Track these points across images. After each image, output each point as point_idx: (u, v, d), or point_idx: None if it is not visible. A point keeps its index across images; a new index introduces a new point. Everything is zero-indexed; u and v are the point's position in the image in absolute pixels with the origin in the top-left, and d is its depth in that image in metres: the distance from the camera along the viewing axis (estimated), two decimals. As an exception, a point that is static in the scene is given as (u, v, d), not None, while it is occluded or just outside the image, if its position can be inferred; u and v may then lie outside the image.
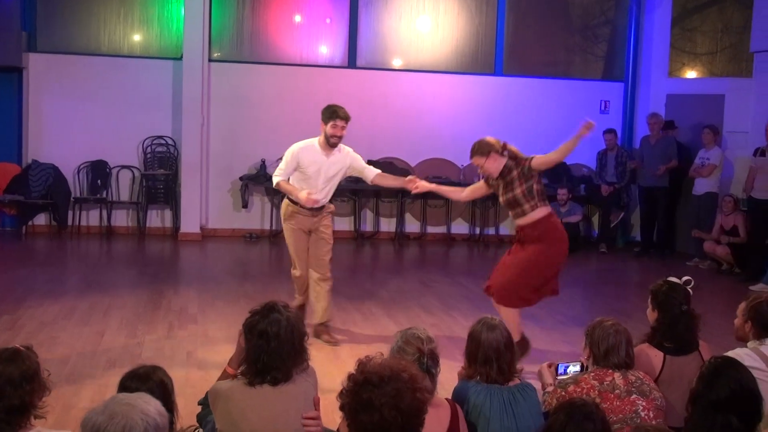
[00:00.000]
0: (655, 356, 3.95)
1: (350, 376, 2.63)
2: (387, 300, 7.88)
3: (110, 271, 9.12)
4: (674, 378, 3.90)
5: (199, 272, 9.24)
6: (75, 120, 11.01)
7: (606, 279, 9.92)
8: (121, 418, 2.15)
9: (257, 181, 11.13)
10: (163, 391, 2.88)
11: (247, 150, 11.30)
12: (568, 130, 12.09)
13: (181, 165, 11.09)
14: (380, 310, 7.44)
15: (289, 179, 6.27)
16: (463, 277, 9.44)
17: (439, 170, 11.73)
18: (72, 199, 10.94)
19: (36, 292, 7.46)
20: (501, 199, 5.73)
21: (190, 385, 4.89)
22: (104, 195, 11.08)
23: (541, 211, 5.61)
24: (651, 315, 4.13)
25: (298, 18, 11.73)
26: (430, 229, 11.95)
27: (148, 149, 11.17)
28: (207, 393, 3.52)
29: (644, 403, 3.51)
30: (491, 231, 11.99)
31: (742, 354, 3.78)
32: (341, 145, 6.28)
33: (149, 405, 2.21)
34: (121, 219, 11.26)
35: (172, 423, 2.88)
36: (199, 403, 3.65)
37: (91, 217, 11.11)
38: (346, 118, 6.16)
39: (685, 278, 4.16)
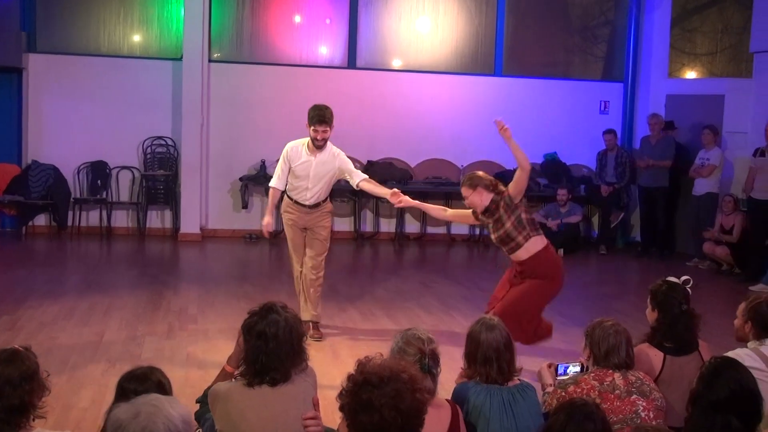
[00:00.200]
0: (655, 356, 3.95)
1: (350, 377, 2.63)
2: (387, 300, 7.88)
3: (110, 271, 9.12)
4: (674, 378, 3.90)
5: (199, 273, 9.24)
6: (75, 120, 11.01)
7: (606, 279, 9.92)
8: (144, 419, 2.15)
9: (257, 181, 11.13)
10: (161, 392, 2.88)
11: (246, 150, 11.30)
12: (568, 130, 12.27)
13: (180, 165, 11.09)
14: (380, 310, 7.44)
15: (286, 182, 6.45)
16: (463, 277, 9.44)
17: (438, 171, 11.74)
18: (72, 199, 10.94)
19: (36, 293, 7.46)
20: (493, 237, 5.69)
21: (190, 385, 4.89)
22: (104, 195, 11.07)
23: (537, 243, 5.53)
24: (651, 315, 4.13)
25: (297, 18, 11.73)
26: (430, 230, 11.94)
27: (148, 150, 11.17)
28: (205, 391, 3.52)
29: (644, 404, 3.51)
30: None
31: (742, 354, 3.78)
32: (331, 147, 6.38)
33: (175, 410, 2.21)
34: (121, 219, 11.26)
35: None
36: (197, 401, 3.65)
37: (91, 218, 11.11)
38: (326, 122, 6.21)
39: (684, 278, 4.16)
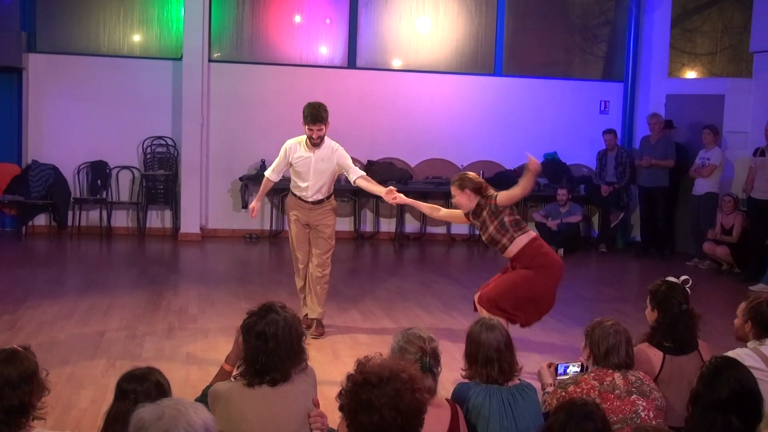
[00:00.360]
0: (655, 356, 3.95)
1: (349, 377, 2.63)
2: (387, 300, 7.88)
3: (110, 271, 9.12)
4: (674, 378, 3.90)
5: (199, 272, 9.24)
6: (75, 120, 11.01)
7: (606, 279, 9.91)
8: (167, 421, 2.15)
9: (257, 181, 11.03)
10: (160, 392, 2.89)
11: (246, 150, 11.30)
12: (567, 130, 12.27)
13: (180, 165, 11.10)
14: (380, 310, 7.44)
15: (281, 176, 6.66)
16: (463, 277, 9.44)
17: (438, 170, 11.73)
18: (72, 199, 10.94)
19: (36, 293, 7.46)
20: (483, 238, 5.84)
21: (190, 385, 4.89)
22: (104, 195, 11.07)
23: (522, 240, 5.62)
24: (650, 315, 4.13)
25: (297, 18, 11.73)
26: (430, 230, 11.95)
27: (148, 150, 11.18)
28: (203, 391, 3.52)
29: (644, 404, 3.51)
30: (491, 231, 11.97)
31: (743, 354, 3.78)
32: (330, 142, 6.42)
33: (198, 416, 2.21)
34: (121, 219, 11.26)
35: None
36: (196, 401, 3.63)
37: (91, 218, 11.11)
38: (320, 121, 6.24)
39: (683, 278, 4.16)
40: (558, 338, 6.66)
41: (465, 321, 6.65)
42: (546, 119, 11.98)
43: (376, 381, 2.55)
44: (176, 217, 11.22)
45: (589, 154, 11.87)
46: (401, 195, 6.30)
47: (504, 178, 11.55)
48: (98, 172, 11.10)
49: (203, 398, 3.49)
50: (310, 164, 6.36)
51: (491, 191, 5.74)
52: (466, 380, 3.61)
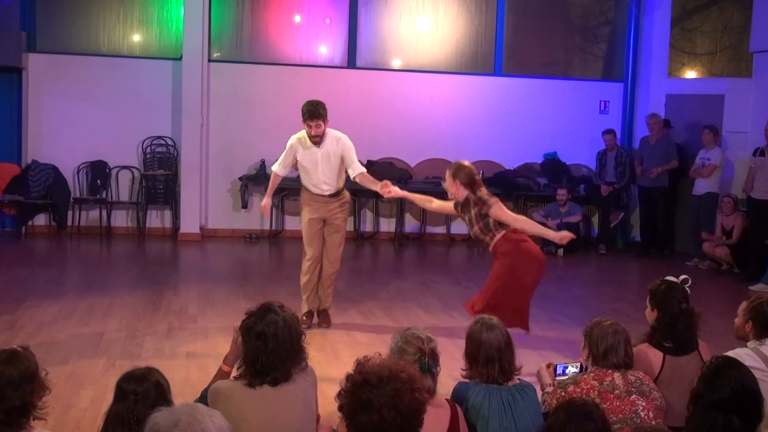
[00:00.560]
0: (655, 356, 3.95)
1: (349, 377, 2.63)
2: (387, 300, 7.88)
3: (110, 271, 9.12)
4: (674, 378, 3.90)
5: (199, 272, 9.24)
6: (75, 120, 11.01)
7: (606, 279, 9.92)
8: (182, 428, 2.15)
9: (257, 181, 11.13)
10: (159, 393, 2.89)
11: (246, 150, 11.30)
12: (567, 130, 12.27)
13: (180, 165, 11.09)
14: (380, 310, 7.44)
15: (288, 170, 6.66)
16: (463, 277, 9.43)
17: (438, 170, 11.70)
18: (72, 199, 10.94)
19: (35, 293, 7.46)
20: (470, 233, 6.01)
21: (190, 385, 4.89)
22: (104, 195, 11.07)
23: (501, 233, 5.75)
24: (650, 315, 4.13)
25: (297, 18, 11.73)
26: (430, 229, 11.95)
27: (148, 149, 11.18)
28: (202, 392, 3.52)
29: (644, 404, 3.51)
30: (491, 231, 11.96)
31: (743, 354, 3.78)
32: (333, 133, 6.46)
33: (214, 424, 2.20)
34: (121, 219, 11.26)
35: None
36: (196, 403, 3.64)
37: (91, 218, 11.11)
38: (318, 117, 6.27)
39: (682, 277, 4.16)
40: (557, 338, 6.65)
41: (465, 321, 6.64)
42: (546, 119, 11.98)
43: (376, 381, 2.55)
44: (176, 217, 11.21)
45: (589, 154, 11.87)
46: (395, 188, 6.43)
47: (504, 178, 11.60)
48: (98, 172, 11.10)
49: (202, 400, 3.49)
50: (317, 159, 6.40)
51: (485, 193, 5.81)
52: (466, 380, 3.61)
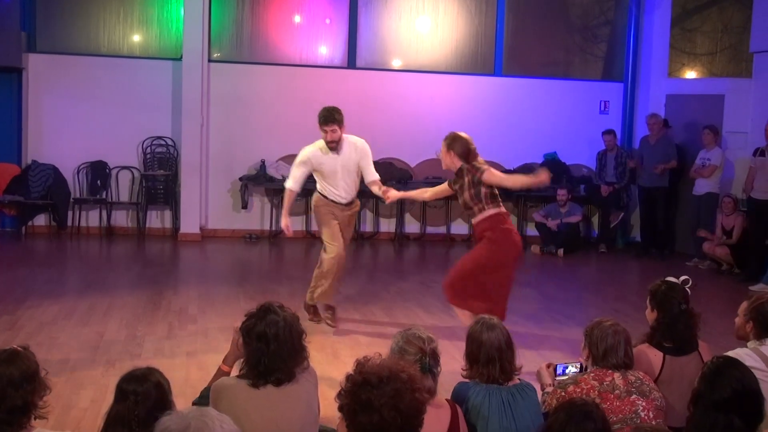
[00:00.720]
0: (655, 356, 3.95)
1: (349, 377, 2.63)
2: (387, 300, 7.88)
3: (110, 271, 9.12)
4: (674, 378, 3.90)
5: (199, 273, 9.24)
6: (75, 120, 11.01)
7: (606, 279, 9.92)
8: None
9: (257, 181, 11.13)
10: (160, 392, 2.89)
11: (246, 150, 11.30)
12: (567, 130, 12.26)
13: (180, 165, 11.09)
14: (380, 310, 7.44)
15: (302, 184, 6.61)
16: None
17: (438, 171, 11.62)
18: (72, 199, 10.94)
19: (36, 293, 7.46)
20: (459, 202, 6.09)
21: (190, 385, 4.89)
22: (104, 195, 11.07)
23: (490, 211, 5.85)
24: (650, 315, 4.13)
25: (297, 18, 11.72)
26: (430, 230, 11.95)
27: (148, 150, 11.17)
28: (202, 392, 3.52)
29: (644, 404, 3.51)
30: (491, 231, 11.95)
31: (743, 354, 3.77)
32: (354, 140, 6.52)
33: (224, 430, 2.20)
34: (121, 219, 11.26)
35: None
36: (194, 403, 3.64)
37: (91, 218, 11.11)
38: (333, 122, 6.31)
39: (682, 278, 4.15)
40: (557, 338, 6.65)
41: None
42: (546, 119, 11.98)
43: (376, 381, 2.54)
44: (176, 217, 11.21)
45: (589, 154, 11.87)
46: (393, 191, 6.54)
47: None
48: (98, 172, 11.09)
49: (201, 400, 3.48)
50: (336, 168, 6.42)
51: (480, 162, 5.93)
52: (466, 380, 3.61)
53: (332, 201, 6.53)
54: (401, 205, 11.58)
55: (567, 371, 3.97)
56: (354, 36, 11.71)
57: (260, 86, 11.42)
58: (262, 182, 11.11)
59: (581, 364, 3.90)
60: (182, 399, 3.80)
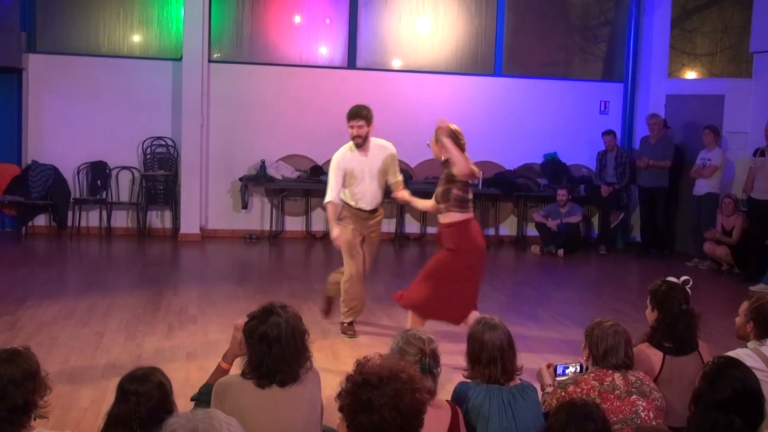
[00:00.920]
0: (655, 356, 3.95)
1: (349, 377, 2.63)
2: (387, 300, 7.85)
3: (110, 271, 9.12)
4: (674, 378, 3.90)
5: (199, 273, 9.24)
6: (75, 121, 11.01)
7: (606, 279, 9.91)
8: None
9: (257, 181, 11.13)
10: (162, 393, 2.88)
11: (246, 151, 11.30)
12: (568, 130, 12.26)
13: (180, 166, 11.09)
14: (380, 310, 7.43)
15: (342, 193, 6.46)
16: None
17: (439, 171, 11.57)
18: (72, 199, 10.93)
19: (36, 293, 7.46)
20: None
21: (190, 386, 4.88)
22: (104, 196, 11.07)
23: (454, 216, 5.69)
24: (650, 315, 4.13)
25: (297, 19, 11.72)
26: (430, 230, 11.92)
27: (148, 150, 11.17)
28: (200, 389, 3.52)
29: (644, 404, 3.51)
30: (491, 231, 11.97)
31: (743, 354, 3.77)
32: (381, 142, 6.49)
33: None
34: (121, 220, 11.26)
35: None
36: (192, 399, 3.63)
37: (91, 218, 11.11)
38: (360, 117, 6.32)
39: (683, 278, 4.15)
40: (558, 338, 6.65)
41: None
42: (546, 119, 11.98)
43: (376, 381, 2.54)
44: (176, 218, 11.21)
45: (589, 155, 11.87)
46: (403, 193, 6.39)
47: (504, 179, 11.60)
48: (98, 173, 11.09)
49: (200, 396, 3.48)
50: (365, 165, 6.38)
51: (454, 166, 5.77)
52: (467, 380, 3.61)
53: (357, 209, 6.43)
54: (401, 205, 11.56)
55: (567, 371, 3.97)
56: (354, 36, 11.71)
57: (260, 86, 11.42)
58: (262, 182, 11.11)
59: (581, 365, 3.90)
60: (182, 399, 3.79)
